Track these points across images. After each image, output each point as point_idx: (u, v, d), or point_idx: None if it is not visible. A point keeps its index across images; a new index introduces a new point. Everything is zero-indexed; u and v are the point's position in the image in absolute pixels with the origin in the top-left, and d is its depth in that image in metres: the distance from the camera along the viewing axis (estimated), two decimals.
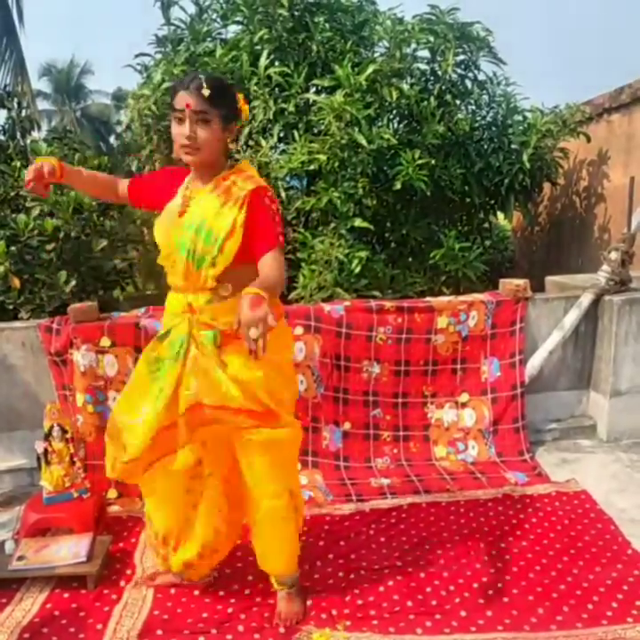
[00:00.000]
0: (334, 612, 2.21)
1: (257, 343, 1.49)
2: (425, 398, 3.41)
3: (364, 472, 3.22)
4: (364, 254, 4.02)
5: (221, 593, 2.32)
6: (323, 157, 4.06)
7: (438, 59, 4.55)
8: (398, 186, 4.19)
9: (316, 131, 4.36)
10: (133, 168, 5.09)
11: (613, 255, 3.59)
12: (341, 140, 4.03)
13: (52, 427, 2.63)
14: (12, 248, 3.70)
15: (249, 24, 4.50)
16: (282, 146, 4.58)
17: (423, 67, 4.67)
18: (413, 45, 4.46)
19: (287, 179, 4.37)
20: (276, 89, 4.45)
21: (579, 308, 3.52)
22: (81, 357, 2.97)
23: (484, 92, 4.87)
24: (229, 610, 2.23)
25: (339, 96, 3.97)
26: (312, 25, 4.40)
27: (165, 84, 4.44)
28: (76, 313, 3.06)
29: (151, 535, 2.25)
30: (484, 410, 3.40)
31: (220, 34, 4.79)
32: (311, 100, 4.23)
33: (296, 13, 4.46)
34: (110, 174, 4.58)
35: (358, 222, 4.15)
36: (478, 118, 4.91)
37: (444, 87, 4.60)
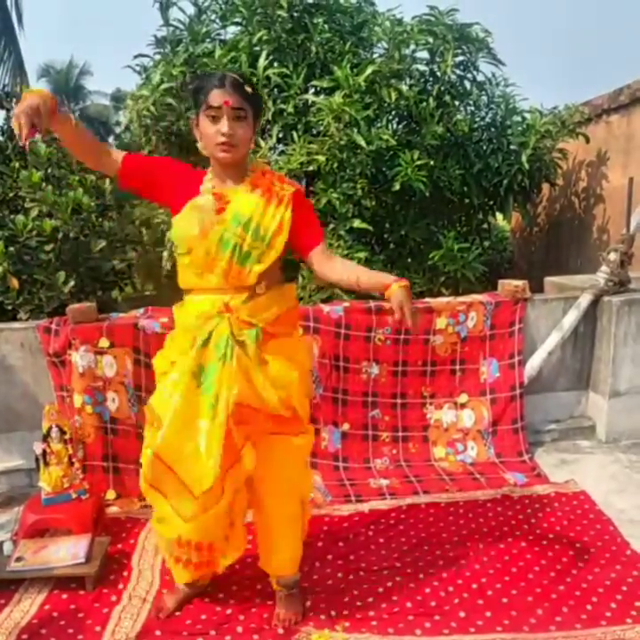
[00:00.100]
0: (333, 613, 2.21)
1: (414, 318, 1.81)
2: (424, 399, 3.41)
3: (363, 473, 3.22)
4: (362, 255, 4.02)
5: (220, 594, 2.32)
6: (321, 158, 4.07)
7: (437, 60, 4.55)
8: (397, 187, 4.19)
9: (314, 132, 4.36)
10: None
11: (612, 256, 3.60)
12: (340, 140, 4.03)
13: (50, 427, 2.63)
14: (11, 248, 3.70)
15: (248, 25, 4.50)
16: (281, 147, 4.58)
17: (422, 68, 4.67)
18: (412, 46, 4.46)
19: None
20: (275, 90, 4.46)
21: (578, 308, 3.52)
22: (79, 358, 2.97)
23: (483, 92, 4.87)
24: (228, 611, 2.23)
25: (338, 97, 3.97)
26: (311, 26, 4.40)
27: (164, 85, 4.44)
28: (74, 313, 3.06)
29: (171, 540, 2.11)
30: (483, 410, 3.40)
31: (218, 35, 4.79)
32: (310, 101, 4.23)
33: (295, 14, 4.46)
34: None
35: (357, 223, 4.16)
36: (477, 119, 4.91)
37: (442, 88, 4.60)
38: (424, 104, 4.37)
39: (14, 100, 4.98)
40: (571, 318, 3.51)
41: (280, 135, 4.39)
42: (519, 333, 3.41)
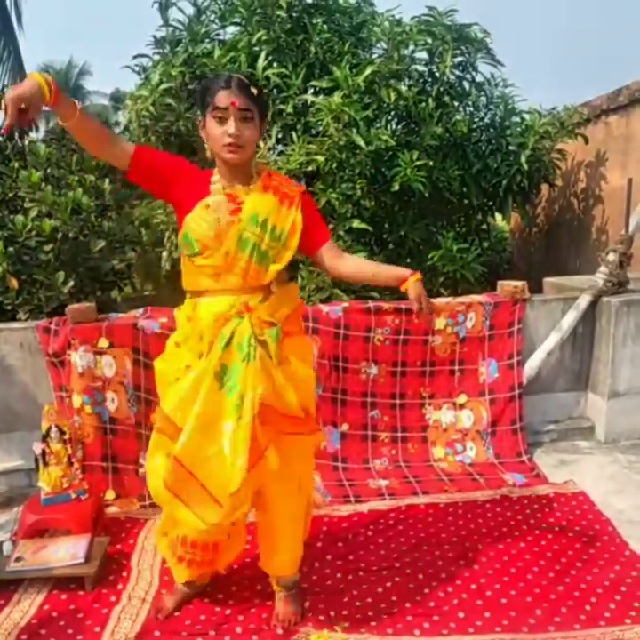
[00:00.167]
0: (332, 614, 2.21)
1: (430, 310, 1.97)
2: (423, 399, 3.41)
3: (363, 473, 3.23)
4: (362, 255, 4.01)
5: (219, 595, 2.32)
6: (321, 158, 4.07)
7: (436, 60, 4.56)
8: (396, 187, 4.19)
9: (314, 132, 4.36)
10: None
11: (611, 256, 3.60)
12: (339, 141, 4.03)
13: (49, 428, 2.63)
14: (10, 249, 3.70)
15: (247, 25, 4.50)
16: (280, 147, 4.59)
17: (421, 68, 4.68)
18: (411, 47, 4.47)
19: None
20: (274, 90, 4.46)
21: (576, 309, 3.52)
22: (79, 358, 2.96)
23: (482, 93, 4.88)
24: (227, 611, 2.23)
25: (337, 97, 3.97)
26: (310, 26, 4.40)
27: (163, 85, 4.44)
28: (74, 314, 3.05)
29: (174, 540, 2.12)
30: (482, 411, 3.40)
31: (218, 35, 4.79)
32: (309, 102, 4.23)
33: (294, 15, 4.46)
34: (108, 175, 4.61)
35: (356, 223, 4.16)
36: (476, 120, 4.92)
37: (441, 88, 4.61)
38: (423, 104, 4.38)
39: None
40: (570, 319, 3.51)
41: (279, 135, 4.40)
42: (518, 334, 3.41)
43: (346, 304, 3.38)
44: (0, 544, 2.50)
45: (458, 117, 4.70)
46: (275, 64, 4.41)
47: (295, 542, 2.16)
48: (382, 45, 4.51)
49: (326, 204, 4.08)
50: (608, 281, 3.55)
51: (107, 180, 4.36)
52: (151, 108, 4.47)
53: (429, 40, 4.44)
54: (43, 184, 3.97)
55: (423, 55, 4.61)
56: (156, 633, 2.13)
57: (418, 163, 4.14)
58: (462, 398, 3.43)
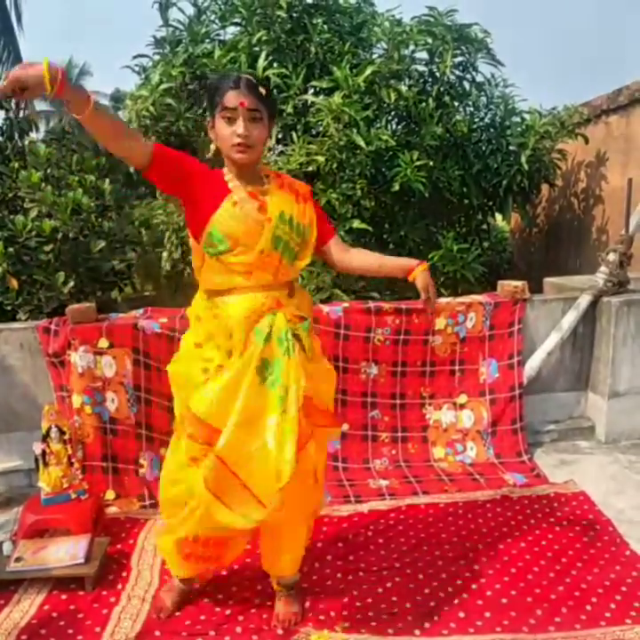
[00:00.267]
0: (333, 614, 2.21)
1: (435, 300, 2.02)
2: (423, 399, 3.41)
3: (363, 473, 3.22)
4: None
5: (219, 595, 2.32)
6: (321, 159, 4.07)
7: (436, 60, 4.56)
8: (396, 187, 4.19)
9: (314, 132, 4.36)
10: (131, 169, 5.09)
11: (611, 256, 3.60)
12: (340, 141, 4.03)
13: (49, 428, 2.63)
14: (10, 249, 3.70)
15: (247, 25, 4.50)
16: (280, 147, 4.59)
17: (421, 68, 4.68)
18: (411, 47, 4.47)
19: None
20: (275, 90, 4.45)
21: (577, 309, 3.52)
22: (79, 358, 2.96)
23: (482, 93, 4.88)
24: (227, 611, 2.23)
25: (337, 97, 3.97)
26: (310, 26, 4.40)
27: (163, 85, 4.44)
28: (74, 314, 3.05)
29: (182, 539, 2.10)
30: (482, 411, 3.40)
31: (218, 35, 4.79)
32: (309, 102, 4.23)
33: (294, 15, 4.46)
34: (108, 175, 4.61)
35: (357, 223, 4.16)
36: (476, 120, 4.92)
37: (442, 89, 4.61)
38: (423, 105, 4.38)
39: (13, 100, 4.98)
40: (570, 319, 3.51)
41: (279, 136, 4.40)
42: (518, 334, 3.41)
43: (346, 304, 3.38)
44: (0, 544, 2.50)
45: (458, 117, 4.70)
46: (275, 64, 4.41)
47: (299, 542, 2.15)
48: (382, 45, 4.51)
49: (326, 205, 4.08)
50: (608, 281, 3.55)
51: (107, 181, 4.36)
52: (151, 108, 4.48)
53: (429, 40, 4.44)
54: (43, 184, 3.97)
55: (423, 55, 4.61)
56: (157, 633, 2.13)
57: (418, 163, 4.14)
58: (462, 398, 3.43)
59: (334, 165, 4.12)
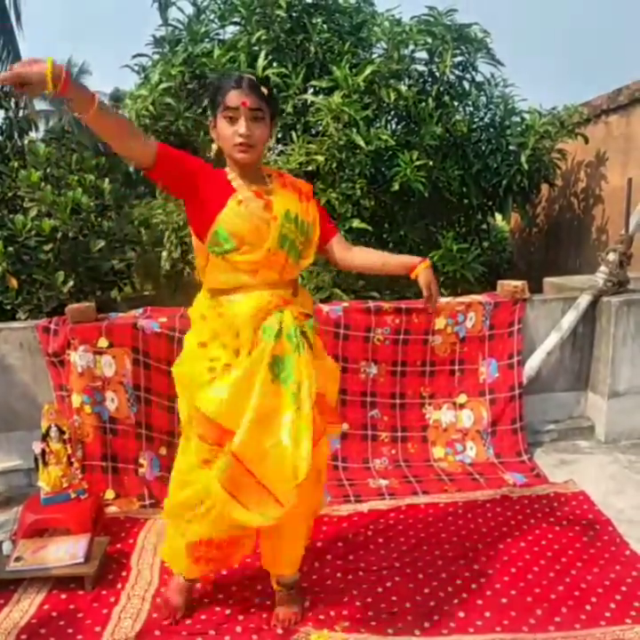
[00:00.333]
0: (332, 614, 2.20)
1: (437, 297, 2.05)
2: (423, 399, 3.41)
3: (363, 473, 3.22)
4: None
5: (220, 594, 2.32)
6: (321, 158, 4.07)
7: (436, 60, 4.56)
8: (396, 187, 4.19)
9: (313, 132, 4.36)
10: (131, 168, 5.09)
11: (611, 256, 3.60)
12: (339, 141, 4.03)
13: (49, 427, 2.62)
14: (10, 248, 3.70)
15: (247, 25, 4.50)
16: (280, 147, 4.59)
17: (421, 68, 4.69)
18: (411, 47, 4.47)
19: None
20: (274, 90, 4.45)
21: (577, 309, 3.52)
22: (78, 358, 2.96)
23: (482, 93, 4.88)
24: (227, 611, 2.23)
25: (337, 97, 3.97)
26: (310, 26, 4.40)
27: (163, 85, 4.44)
28: (73, 313, 3.05)
29: (194, 543, 2.08)
30: (482, 411, 3.40)
31: (217, 34, 4.79)
32: (309, 101, 4.23)
33: (294, 14, 4.46)
34: (108, 175, 4.61)
35: (356, 223, 4.16)
36: (476, 120, 4.92)
37: (441, 88, 4.61)
38: (423, 104, 4.38)
39: (13, 100, 4.98)
40: (570, 319, 3.51)
41: (279, 135, 4.40)
42: (518, 334, 3.41)
43: (346, 304, 3.38)
44: (0, 544, 2.50)
45: (458, 117, 4.70)
46: (274, 64, 4.41)
47: (299, 541, 2.16)
48: (382, 45, 4.51)
49: (326, 204, 4.08)
50: (608, 281, 3.55)
51: (106, 180, 4.36)
52: (151, 108, 4.48)
53: (429, 40, 4.44)
54: (42, 184, 3.97)
55: (423, 55, 4.62)
56: (157, 632, 2.13)
57: (418, 163, 4.14)
58: (462, 398, 3.42)
59: (334, 165, 4.12)
